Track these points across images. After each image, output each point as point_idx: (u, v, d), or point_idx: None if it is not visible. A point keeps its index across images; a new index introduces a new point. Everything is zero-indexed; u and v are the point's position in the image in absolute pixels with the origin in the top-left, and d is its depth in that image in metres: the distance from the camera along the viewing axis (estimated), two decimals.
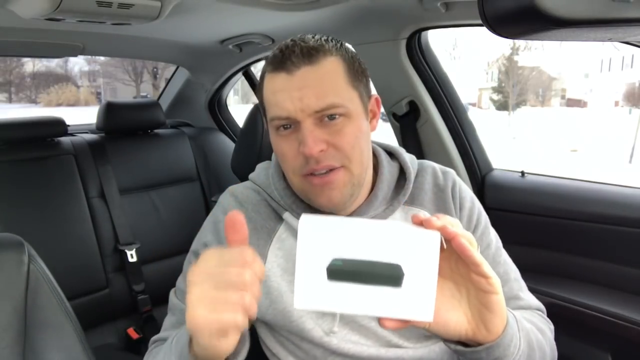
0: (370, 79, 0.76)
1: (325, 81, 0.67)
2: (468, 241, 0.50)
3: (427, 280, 0.48)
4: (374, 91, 0.78)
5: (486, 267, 0.51)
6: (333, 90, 0.68)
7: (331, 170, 0.68)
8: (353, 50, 0.74)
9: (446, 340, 0.57)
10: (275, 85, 0.69)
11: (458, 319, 0.53)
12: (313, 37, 0.70)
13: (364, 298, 0.48)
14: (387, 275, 0.48)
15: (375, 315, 0.49)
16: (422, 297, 0.48)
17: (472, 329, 0.54)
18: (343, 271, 0.48)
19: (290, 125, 0.68)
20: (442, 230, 0.49)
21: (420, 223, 0.50)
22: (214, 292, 0.47)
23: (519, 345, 0.58)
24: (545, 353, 0.68)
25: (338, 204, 0.71)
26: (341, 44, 0.72)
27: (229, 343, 0.49)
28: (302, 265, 0.49)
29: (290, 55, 0.67)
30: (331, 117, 0.67)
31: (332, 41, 0.71)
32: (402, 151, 0.83)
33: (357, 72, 0.72)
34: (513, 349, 0.56)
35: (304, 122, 0.67)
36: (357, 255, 0.48)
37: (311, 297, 0.49)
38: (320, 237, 0.48)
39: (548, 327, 0.76)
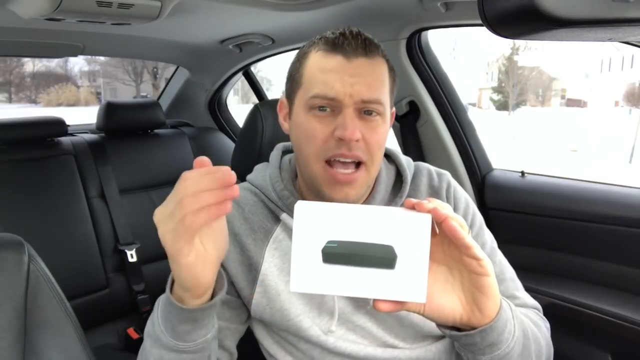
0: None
1: (376, 76, 0.69)
2: (458, 224, 0.51)
3: (419, 262, 0.49)
4: None
5: (477, 250, 0.51)
6: (381, 87, 0.70)
7: (356, 167, 0.69)
8: None
9: (440, 326, 0.57)
10: (327, 64, 0.69)
11: (452, 303, 0.54)
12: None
13: (358, 280, 0.50)
14: (380, 257, 0.49)
15: (369, 296, 0.50)
16: (414, 278, 0.50)
17: (466, 312, 0.54)
18: (338, 254, 0.49)
19: (328, 108, 0.69)
20: (433, 213, 0.50)
21: (412, 207, 0.51)
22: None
23: (514, 331, 0.58)
24: (540, 346, 0.68)
25: (352, 202, 0.71)
26: (384, 51, 0.74)
27: (197, 252, 0.51)
28: (298, 249, 0.50)
29: (350, 41, 0.68)
30: (369, 113, 0.69)
31: (379, 44, 0.73)
32: (399, 153, 0.84)
33: (393, 81, 0.74)
34: (507, 334, 0.57)
35: (348, 107, 0.67)
36: (351, 238, 0.49)
37: (307, 280, 0.50)
38: (315, 221, 0.50)
39: (544, 324, 0.76)
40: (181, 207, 0.48)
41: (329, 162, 0.69)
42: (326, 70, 0.68)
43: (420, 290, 0.50)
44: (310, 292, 0.50)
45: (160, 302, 0.60)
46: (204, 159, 0.51)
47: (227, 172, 0.49)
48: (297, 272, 0.50)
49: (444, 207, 0.52)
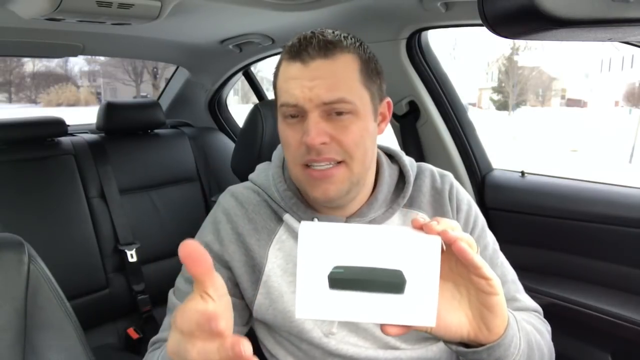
0: (384, 82, 0.76)
1: (337, 76, 0.68)
2: (468, 244, 0.50)
3: (429, 286, 0.48)
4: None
5: (486, 269, 0.50)
6: (345, 85, 0.68)
7: (331, 164, 0.69)
8: (371, 51, 0.74)
9: (448, 342, 0.56)
10: (288, 73, 0.70)
11: (460, 320, 0.53)
12: (333, 32, 0.71)
13: (366, 305, 0.48)
14: (388, 281, 0.47)
15: (378, 322, 0.49)
16: (424, 303, 0.48)
17: (473, 329, 0.54)
18: (344, 279, 0.47)
19: (298, 114, 0.69)
20: (443, 235, 0.49)
21: (420, 227, 0.50)
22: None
23: (519, 345, 0.58)
24: (543, 354, 0.67)
25: (333, 198, 0.71)
26: (360, 43, 0.73)
27: None
28: (303, 274, 0.48)
29: (307, 46, 0.68)
30: (339, 113, 0.68)
31: (351, 39, 0.72)
32: (402, 154, 0.84)
33: (371, 73, 0.72)
34: (514, 349, 0.56)
35: (311, 112, 0.68)
36: (358, 263, 0.47)
37: (313, 306, 0.48)
38: (320, 245, 0.48)
39: (545, 329, 0.76)
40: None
41: (304, 167, 0.70)
42: (288, 78, 0.70)
43: (431, 314, 0.48)
44: (316, 318, 0.49)
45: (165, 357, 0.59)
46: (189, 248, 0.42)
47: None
48: (303, 298, 0.48)
49: (453, 229, 0.50)
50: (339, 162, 0.69)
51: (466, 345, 0.56)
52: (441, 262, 0.49)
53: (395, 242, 0.48)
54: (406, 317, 0.48)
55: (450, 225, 0.51)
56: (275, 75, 0.74)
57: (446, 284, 0.53)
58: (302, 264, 0.48)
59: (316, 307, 0.48)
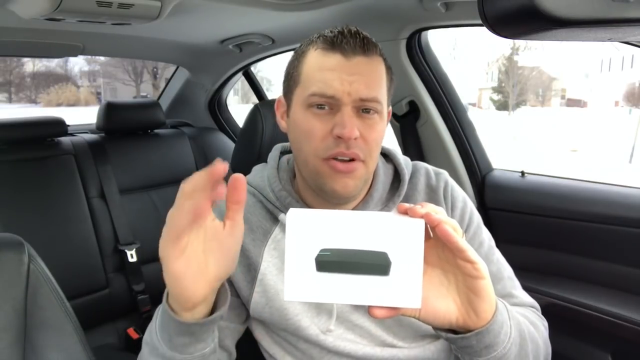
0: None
1: (374, 75, 0.70)
2: (452, 227, 0.51)
3: (414, 268, 0.49)
4: None
5: (471, 253, 0.51)
6: (378, 86, 0.70)
7: (353, 160, 0.69)
8: None
9: (437, 329, 0.57)
10: (326, 63, 0.69)
11: (448, 306, 0.54)
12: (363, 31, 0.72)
13: (352, 288, 0.49)
14: (374, 264, 0.49)
15: (364, 303, 0.50)
16: (409, 285, 0.49)
17: (462, 315, 0.54)
18: (331, 262, 0.49)
19: (326, 106, 0.69)
20: (426, 218, 0.50)
21: (405, 212, 0.51)
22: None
23: (510, 333, 0.58)
24: (538, 346, 0.67)
25: (351, 192, 0.71)
26: (381, 50, 0.74)
27: (189, 258, 0.49)
28: (291, 258, 0.49)
29: (349, 39, 0.68)
30: (366, 111, 0.69)
31: (377, 43, 0.73)
32: (397, 152, 0.85)
33: (390, 80, 0.75)
34: (504, 336, 0.57)
35: (347, 106, 0.68)
36: (344, 246, 0.49)
37: (301, 288, 0.50)
38: (307, 229, 0.49)
39: (542, 323, 0.76)
40: (172, 208, 0.48)
41: (327, 160, 0.69)
42: (325, 69, 0.68)
43: (416, 296, 0.49)
44: (304, 300, 0.50)
45: (159, 311, 0.59)
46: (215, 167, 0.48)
47: (211, 171, 0.46)
48: (291, 281, 0.50)
49: (437, 212, 0.51)
50: (361, 159, 0.70)
51: (456, 332, 0.57)
52: (429, 249, 0.51)
53: (381, 225, 0.49)
54: (392, 299, 0.49)
55: (434, 209, 0.52)
56: (300, 62, 0.73)
57: (434, 270, 0.54)
58: (290, 248, 0.49)
59: (304, 290, 0.49)
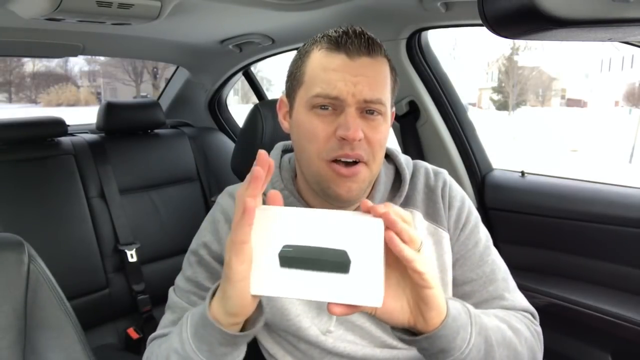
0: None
1: (379, 76, 0.70)
2: (409, 237, 0.51)
3: (374, 266, 0.50)
4: None
5: (418, 264, 0.51)
6: (382, 87, 0.70)
7: (357, 162, 0.69)
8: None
9: (393, 329, 0.58)
10: (330, 63, 0.68)
11: (402, 307, 0.55)
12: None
13: (314, 284, 0.50)
14: (333, 261, 0.50)
15: (325, 300, 0.50)
16: (369, 283, 0.50)
17: (413, 317, 0.55)
18: (293, 258, 0.50)
19: (330, 107, 0.68)
20: (384, 217, 0.50)
21: (368, 210, 0.51)
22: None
23: (469, 338, 0.58)
24: (517, 352, 0.67)
25: (356, 196, 0.71)
26: (386, 50, 0.73)
27: (244, 268, 0.51)
28: (256, 253, 0.51)
29: (353, 40, 0.68)
30: (370, 112, 0.69)
31: (382, 44, 0.72)
32: (398, 153, 0.84)
33: (394, 81, 0.75)
34: (460, 342, 0.57)
35: (351, 107, 0.67)
36: (307, 243, 0.50)
37: (265, 283, 0.51)
38: (272, 226, 0.51)
39: (529, 328, 0.74)
40: (236, 216, 0.51)
41: (331, 163, 0.69)
42: (329, 69, 0.68)
43: (377, 295, 0.50)
44: (268, 295, 0.51)
45: (192, 321, 0.60)
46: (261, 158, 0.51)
47: (253, 178, 0.50)
48: (256, 276, 0.51)
49: (396, 213, 0.51)
50: (364, 161, 0.69)
51: (414, 334, 0.57)
52: (390, 251, 0.51)
53: (342, 224, 0.50)
54: (352, 297, 0.50)
55: (397, 213, 0.51)
56: (304, 62, 0.72)
57: (394, 272, 0.54)
58: (256, 244, 0.51)
59: (268, 284, 0.51)
